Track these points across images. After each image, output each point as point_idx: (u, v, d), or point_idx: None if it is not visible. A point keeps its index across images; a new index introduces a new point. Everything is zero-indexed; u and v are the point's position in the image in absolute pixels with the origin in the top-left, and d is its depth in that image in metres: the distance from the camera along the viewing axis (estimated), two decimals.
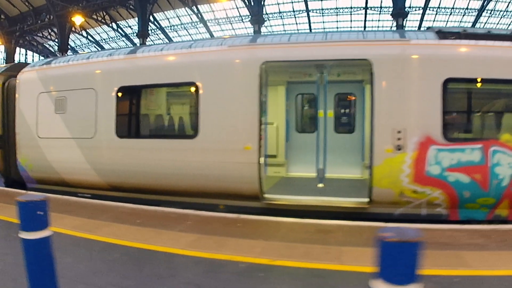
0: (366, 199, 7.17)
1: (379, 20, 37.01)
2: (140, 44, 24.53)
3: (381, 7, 33.02)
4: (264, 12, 27.48)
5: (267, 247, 5.33)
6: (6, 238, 6.02)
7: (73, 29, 28.55)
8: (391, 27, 35.25)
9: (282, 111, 10.65)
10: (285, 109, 10.73)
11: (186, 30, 37.98)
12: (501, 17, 33.52)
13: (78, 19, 23.21)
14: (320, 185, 8.69)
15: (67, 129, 8.97)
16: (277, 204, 7.59)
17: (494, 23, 34.46)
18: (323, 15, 36.49)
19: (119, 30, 36.39)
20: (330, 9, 34.99)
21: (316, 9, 35.46)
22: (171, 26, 37.28)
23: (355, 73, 9.76)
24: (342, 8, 34.70)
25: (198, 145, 7.76)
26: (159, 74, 8.25)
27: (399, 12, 23.52)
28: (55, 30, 33.21)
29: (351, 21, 37.37)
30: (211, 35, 37.50)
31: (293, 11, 35.93)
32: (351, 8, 34.32)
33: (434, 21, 35.70)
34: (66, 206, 7.71)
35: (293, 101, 10.88)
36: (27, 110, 9.61)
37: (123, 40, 38.27)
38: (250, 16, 23.72)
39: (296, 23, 37.88)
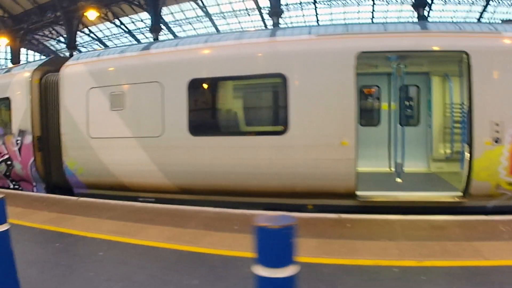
0: (460, 193, 6.97)
1: (387, 11, 36.32)
2: (154, 39, 23.61)
3: None
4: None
5: (401, 247, 4.98)
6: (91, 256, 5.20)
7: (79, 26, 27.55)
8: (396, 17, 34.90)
9: None
10: None
11: (191, 24, 37.08)
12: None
13: (91, 14, 22.17)
14: (398, 180, 8.07)
15: (126, 128, 8.08)
16: (373, 202, 7.13)
17: (503, 12, 33.91)
18: (330, 7, 35.80)
19: (122, 26, 35.30)
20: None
21: (324, 1, 34.75)
22: (175, 21, 36.33)
23: (421, 64, 9.38)
24: None
25: (288, 142, 7.12)
26: (239, 65, 7.51)
27: (422, 2, 22.86)
28: (57, 29, 32.23)
29: (358, 12, 36.70)
30: (217, 29, 36.59)
31: (300, 4, 35.17)
32: None
33: (442, 10, 35.11)
34: (142, 214, 6.90)
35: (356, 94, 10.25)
36: (75, 107, 8.69)
37: (126, 37, 37.22)
38: (269, 8, 22.86)
39: (303, 15, 37.15)
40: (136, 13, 33.89)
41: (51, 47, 38.41)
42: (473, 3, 33.73)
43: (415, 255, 4.70)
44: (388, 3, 34.29)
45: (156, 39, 24.04)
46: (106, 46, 37.65)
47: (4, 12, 28.55)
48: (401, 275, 4.22)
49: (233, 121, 8.04)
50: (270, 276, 2.31)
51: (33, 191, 9.99)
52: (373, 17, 36.62)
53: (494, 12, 34.18)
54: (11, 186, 10.61)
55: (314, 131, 7.02)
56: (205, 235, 5.64)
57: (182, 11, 35.65)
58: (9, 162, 10.18)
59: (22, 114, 9.60)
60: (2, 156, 10.32)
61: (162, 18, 33.70)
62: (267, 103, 8.09)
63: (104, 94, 8.31)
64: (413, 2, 23.58)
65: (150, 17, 25.01)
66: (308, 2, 34.90)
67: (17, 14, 28.98)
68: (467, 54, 6.66)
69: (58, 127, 9.02)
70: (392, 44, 7.11)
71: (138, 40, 36.78)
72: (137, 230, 5.95)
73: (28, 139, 9.55)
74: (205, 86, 7.80)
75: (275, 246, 2.31)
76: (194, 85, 7.64)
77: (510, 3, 32.45)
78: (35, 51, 38.28)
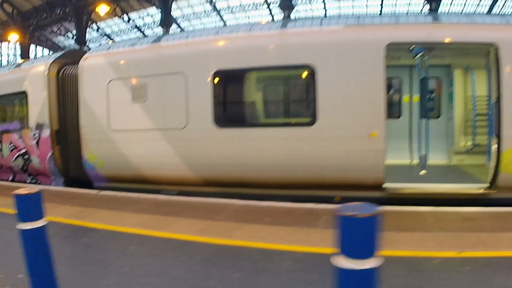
0: (486, 185, 6.91)
1: (396, 5, 36.02)
2: (164, 34, 23.46)
3: None
4: None
5: (437, 239, 4.88)
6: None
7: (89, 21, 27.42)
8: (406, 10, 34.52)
9: None
10: None
11: (199, 19, 36.91)
12: None
13: (102, 9, 22.05)
14: (423, 172, 7.94)
15: (149, 120, 7.95)
16: (401, 193, 7.03)
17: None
18: (339, 0, 35.53)
19: (130, 22, 35.18)
20: None
21: None
22: (183, 16, 36.16)
23: (443, 57, 9.27)
24: None
25: (316, 133, 7.01)
26: (265, 56, 7.39)
27: None
28: (65, 25, 32.12)
29: (367, 6, 36.41)
30: (225, 24, 36.41)
31: None
32: None
33: (451, 5, 34.80)
34: (168, 207, 6.81)
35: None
36: (95, 100, 8.56)
37: (134, 32, 37.08)
38: (279, 1, 22.63)
39: (311, 9, 36.86)
40: (144, 8, 33.72)
41: (59, 43, 38.39)
42: None
43: (453, 246, 4.62)
44: None
45: (166, 33, 23.87)
46: (114, 41, 37.59)
47: (13, 9, 28.49)
48: (443, 266, 4.14)
49: (260, 113, 7.90)
50: (354, 267, 2.16)
51: (51, 185, 9.89)
52: (382, 10, 36.31)
53: (504, 6, 33.82)
54: (28, 181, 10.52)
55: (342, 123, 6.90)
56: (237, 227, 5.50)
57: (190, 6, 35.46)
58: (26, 156, 10.10)
59: (39, 108, 9.49)
60: (19, 150, 10.24)
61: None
62: (294, 94, 7.94)
63: (125, 86, 8.18)
64: None
65: (158, 12, 24.84)
66: None
67: (26, 10, 28.91)
68: (495, 46, 6.55)
69: (77, 120, 8.92)
70: (421, 35, 6.95)
71: (146, 36, 36.64)
72: (166, 223, 5.83)
73: (46, 132, 9.44)
74: (230, 77, 7.64)
75: (361, 236, 2.17)
76: (219, 76, 7.50)
77: None
78: (43, 47, 38.26)
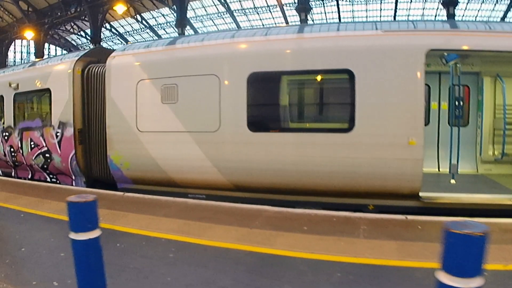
0: None
1: (409, 9, 35.82)
2: (180, 34, 23.36)
3: None
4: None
5: None
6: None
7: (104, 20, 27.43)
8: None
9: None
10: None
11: (212, 20, 36.89)
12: None
13: (119, 8, 22.01)
14: (453, 181, 7.76)
15: (179, 122, 7.82)
16: (437, 203, 6.86)
17: None
18: (352, 4, 35.42)
19: (143, 22, 35.26)
20: None
21: None
22: (196, 17, 36.15)
23: (472, 64, 9.09)
24: None
25: (354, 140, 6.83)
26: (303, 59, 7.22)
27: (452, 0, 22.39)
28: (78, 23, 32.25)
29: (380, 10, 36.24)
30: (238, 26, 36.38)
31: (322, 1, 34.76)
32: None
33: (465, 9, 34.57)
34: (200, 212, 6.63)
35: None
36: (122, 100, 8.45)
37: (147, 32, 37.13)
38: (296, 4, 22.53)
39: (325, 12, 36.75)
40: (158, 8, 33.78)
41: (72, 42, 38.55)
42: (497, 2, 33.17)
43: (498, 258, 4.48)
44: (411, 1, 33.83)
45: (181, 34, 23.79)
46: (127, 41, 37.63)
47: (29, 6, 28.58)
48: (493, 279, 3.99)
49: (296, 117, 7.73)
50: (457, 286, 2.10)
51: (72, 185, 9.78)
52: (395, 14, 36.15)
53: None
54: (48, 179, 10.43)
55: (381, 130, 6.72)
56: (276, 235, 5.34)
57: (203, 7, 35.46)
58: (47, 155, 10.01)
59: (63, 106, 9.40)
60: (40, 149, 10.15)
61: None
62: (331, 100, 7.74)
63: (155, 87, 8.05)
64: (442, 0, 23.08)
65: (171, 13, 24.77)
66: None
67: (41, 8, 28.99)
68: None
69: (102, 120, 8.83)
70: (465, 42, 6.79)
71: (159, 36, 36.67)
72: (201, 230, 5.67)
73: (69, 131, 9.34)
74: (266, 80, 7.44)
75: (469, 255, 2.06)
76: (254, 79, 7.33)
77: None
78: (57, 46, 38.46)
